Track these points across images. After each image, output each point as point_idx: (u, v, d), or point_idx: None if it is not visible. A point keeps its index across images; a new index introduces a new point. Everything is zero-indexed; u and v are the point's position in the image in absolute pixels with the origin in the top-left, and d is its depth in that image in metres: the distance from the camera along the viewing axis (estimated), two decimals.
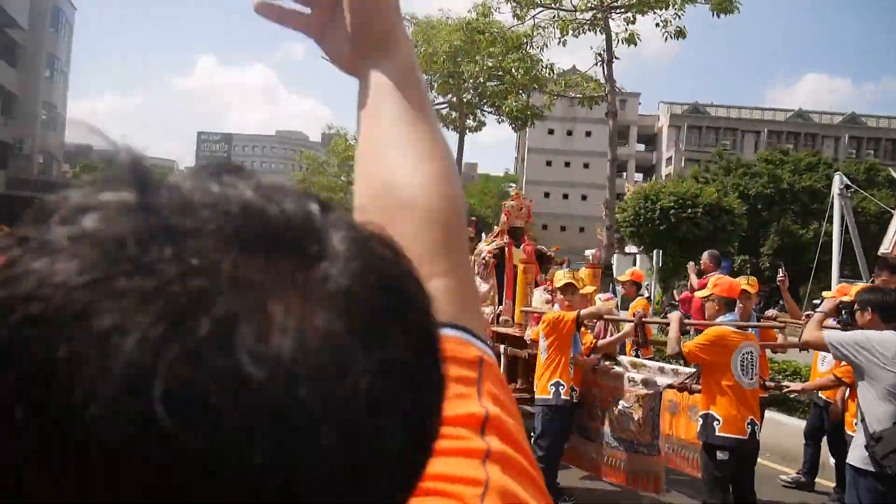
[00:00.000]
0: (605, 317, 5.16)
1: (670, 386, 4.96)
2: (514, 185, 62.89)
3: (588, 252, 7.77)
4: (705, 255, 8.44)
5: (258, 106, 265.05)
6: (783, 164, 33.94)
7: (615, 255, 30.17)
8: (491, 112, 19.10)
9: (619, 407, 5.28)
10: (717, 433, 4.32)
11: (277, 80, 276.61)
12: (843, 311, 4.09)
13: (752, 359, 4.37)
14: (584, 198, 58.03)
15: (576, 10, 10.96)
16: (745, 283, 5.97)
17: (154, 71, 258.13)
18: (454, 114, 19.22)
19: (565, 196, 61.57)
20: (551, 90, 14.83)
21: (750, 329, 4.82)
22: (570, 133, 61.84)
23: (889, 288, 4.16)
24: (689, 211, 20.76)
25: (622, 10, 10.92)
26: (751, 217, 29.70)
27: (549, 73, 14.84)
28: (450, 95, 18.49)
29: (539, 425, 5.03)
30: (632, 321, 5.16)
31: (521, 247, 7.06)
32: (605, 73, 11.37)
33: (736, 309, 6.16)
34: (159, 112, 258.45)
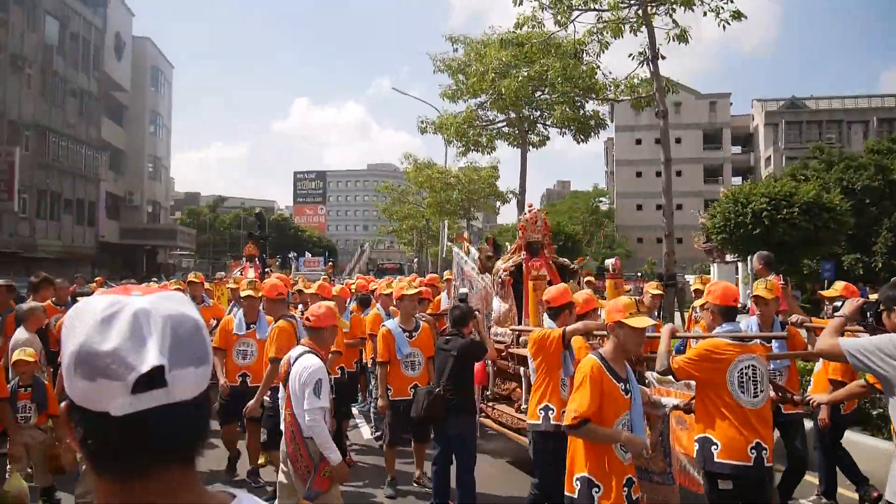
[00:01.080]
0: (595, 332, 4.66)
1: (676, 407, 4.38)
2: (603, 199, 61.27)
3: (609, 261, 7.18)
4: (755, 257, 7.63)
5: (352, 142, 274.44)
6: (892, 154, 31.07)
7: (714, 265, 28.41)
8: (551, 125, 18.64)
9: None
10: (715, 459, 3.74)
11: (368, 115, 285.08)
12: (869, 314, 3.42)
13: (753, 373, 3.77)
14: (679, 207, 55.52)
15: (613, 9, 10.41)
16: (763, 287, 5.29)
17: (256, 118, 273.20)
18: (515, 130, 18.90)
19: (658, 207, 59.23)
20: (605, 97, 14.17)
21: (758, 340, 4.19)
22: (658, 142, 59.68)
23: None
24: (785, 212, 19.22)
25: (661, 2, 10.28)
26: (858, 213, 27.26)
27: (604, 78, 14.21)
28: (509, 112, 18.19)
29: (531, 454, 4.58)
30: None
31: (531, 263, 6.63)
32: (651, 70, 10.70)
33: (741, 318, 5.60)
34: (261, 156, 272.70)
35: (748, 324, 5.55)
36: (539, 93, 16.18)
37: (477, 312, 7.46)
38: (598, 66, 14.58)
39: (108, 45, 39.92)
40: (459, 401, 5.03)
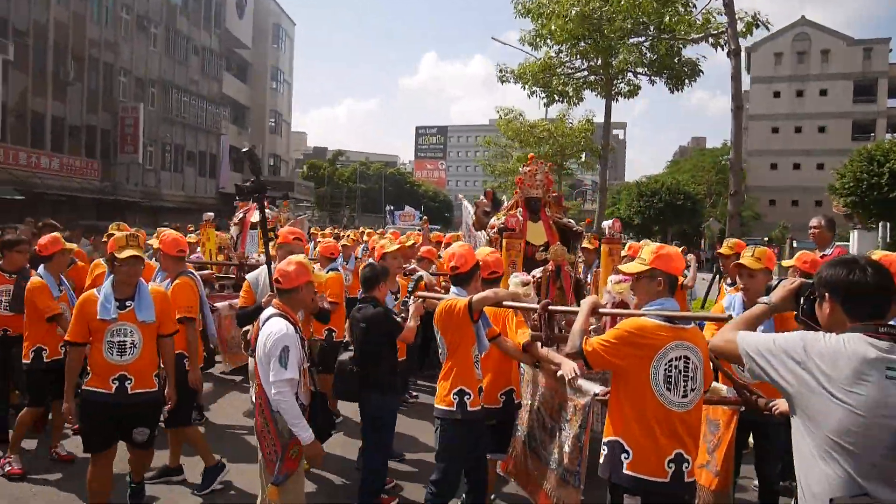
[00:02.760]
0: (505, 303, 3.92)
1: (600, 396, 3.65)
2: (727, 156, 56.76)
3: (606, 223, 6.17)
4: (814, 220, 6.43)
5: (478, 96, 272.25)
6: None
7: (854, 232, 25.18)
8: (643, 74, 17.06)
9: (560, 417, 4.10)
10: (623, 470, 2.93)
11: (495, 69, 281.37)
12: (804, 299, 2.42)
13: (686, 367, 2.95)
14: (819, 167, 50.33)
15: None
16: (750, 255, 4.30)
17: (386, 73, 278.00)
18: (601, 79, 17.52)
19: (796, 166, 54.01)
20: (678, 34, 12.54)
21: (694, 323, 3.29)
22: (800, 94, 54.10)
23: (870, 258, 2.40)
24: None
25: None
26: None
27: (682, 12, 12.57)
28: (594, 59, 16.84)
29: (437, 442, 3.96)
30: (535, 308, 3.86)
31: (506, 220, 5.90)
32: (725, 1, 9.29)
33: (735, 295, 4.57)
34: (389, 112, 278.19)
35: (731, 300, 4.61)
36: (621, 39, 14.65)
37: (423, 275, 6.82)
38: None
39: (229, 4, 41.62)
40: (375, 378, 4.46)
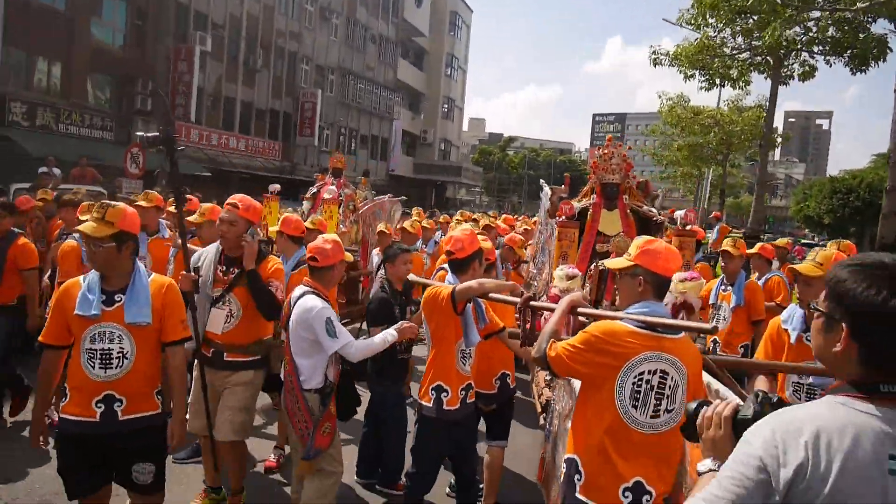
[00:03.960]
0: (491, 296, 3.63)
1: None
2: None
3: (678, 213, 5.47)
4: None
5: (662, 82, 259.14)
6: None
7: None
8: (818, 53, 15.11)
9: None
10: (576, 494, 2.58)
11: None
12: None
13: (662, 383, 2.53)
14: None
15: None
16: (811, 261, 3.70)
17: (568, 59, 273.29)
18: (769, 59, 15.82)
19: None
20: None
21: (682, 332, 2.69)
22: None
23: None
24: None
25: None
26: None
27: None
28: (758, 39, 15.26)
29: (414, 434, 3.86)
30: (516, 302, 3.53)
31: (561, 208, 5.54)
32: None
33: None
34: (570, 98, 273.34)
35: (791, 312, 3.88)
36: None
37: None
38: None
39: None
40: (376, 367, 4.54)
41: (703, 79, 16.78)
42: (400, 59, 44.29)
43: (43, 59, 20.68)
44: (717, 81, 16.77)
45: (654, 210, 6.07)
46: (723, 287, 5.95)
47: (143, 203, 5.70)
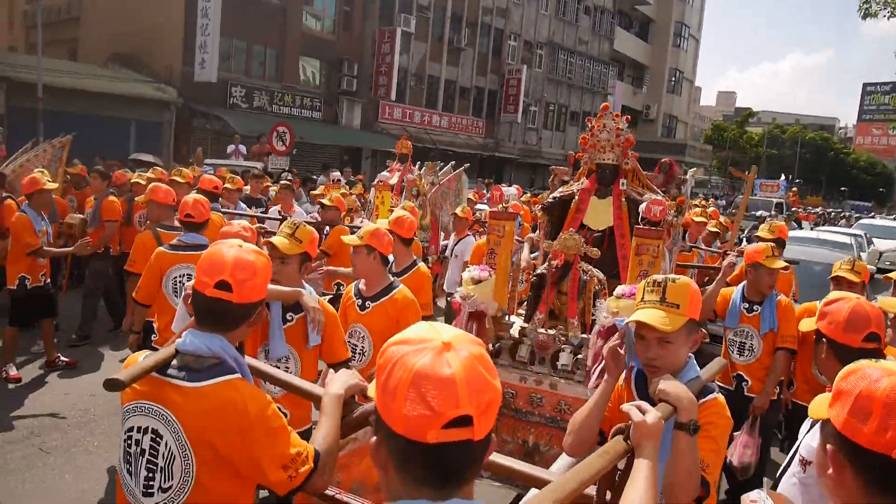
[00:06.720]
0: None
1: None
2: None
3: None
4: None
5: None
6: None
7: None
8: None
9: None
10: None
11: None
12: None
13: (155, 445, 1.81)
14: None
15: None
16: (848, 268, 4.25)
17: (843, 21, 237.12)
18: None
19: None
20: None
21: None
22: None
23: None
24: None
25: None
26: None
27: None
28: None
29: None
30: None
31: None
32: None
33: None
34: (842, 66, 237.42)
35: None
36: None
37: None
38: None
39: None
40: None
41: None
42: (620, 29, 42.05)
43: (259, 47, 23.05)
44: None
45: (661, 199, 4.26)
46: (745, 305, 4.45)
47: (177, 178, 6.73)
